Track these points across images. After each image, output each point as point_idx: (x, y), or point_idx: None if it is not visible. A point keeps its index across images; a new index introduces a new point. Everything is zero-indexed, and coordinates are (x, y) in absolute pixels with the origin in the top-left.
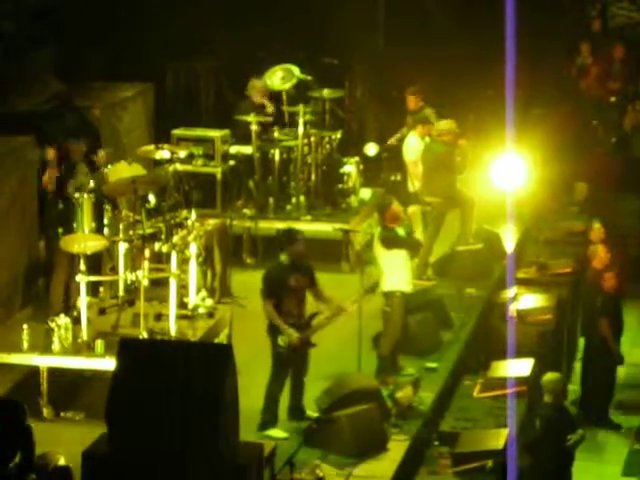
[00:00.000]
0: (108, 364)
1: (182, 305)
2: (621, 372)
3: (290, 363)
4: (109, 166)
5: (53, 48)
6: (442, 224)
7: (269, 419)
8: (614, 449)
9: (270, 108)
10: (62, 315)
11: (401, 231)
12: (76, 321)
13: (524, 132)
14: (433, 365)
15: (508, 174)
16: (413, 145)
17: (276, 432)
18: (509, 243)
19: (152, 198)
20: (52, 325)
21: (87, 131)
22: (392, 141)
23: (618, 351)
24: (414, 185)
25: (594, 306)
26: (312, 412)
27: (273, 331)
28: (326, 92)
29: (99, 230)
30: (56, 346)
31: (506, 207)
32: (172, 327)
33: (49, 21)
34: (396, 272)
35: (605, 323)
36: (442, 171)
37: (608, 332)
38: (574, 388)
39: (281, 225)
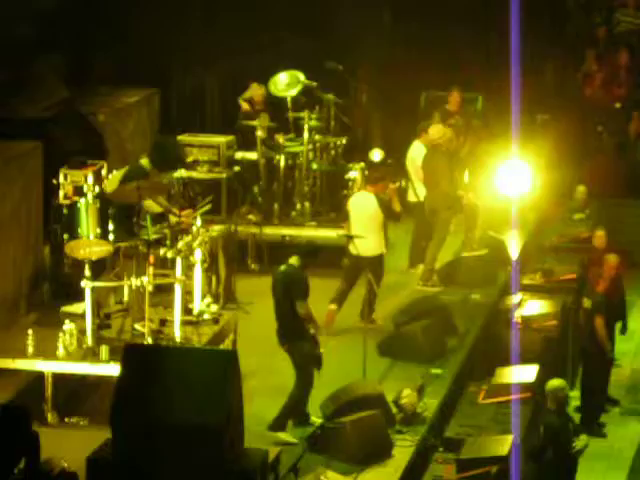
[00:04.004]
0: (112, 370)
1: (187, 311)
2: (626, 376)
3: (316, 367)
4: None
5: (59, 54)
6: (448, 231)
7: (284, 423)
8: (619, 455)
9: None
10: (67, 321)
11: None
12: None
13: (529, 138)
14: (438, 371)
15: (513, 180)
16: (418, 153)
17: (287, 436)
18: (514, 249)
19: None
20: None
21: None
22: None
23: (611, 351)
24: (417, 194)
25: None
26: (316, 418)
27: (297, 336)
28: (331, 98)
29: (104, 236)
30: (61, 352)
31: (511, 213)
32: (177, 333)
33: (55, 27)
34: (376, 238)
35: (600, 322)
36: (441, 178)
37: (603, 331)
38: (577, 394)
39: (286, 231)
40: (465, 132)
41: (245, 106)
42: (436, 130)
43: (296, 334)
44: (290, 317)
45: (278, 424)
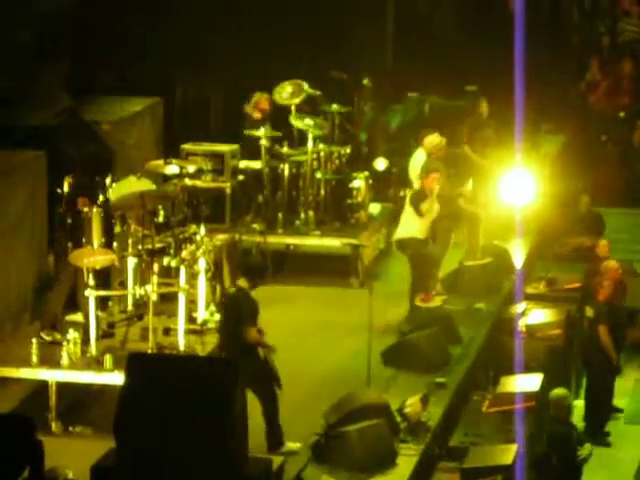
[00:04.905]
0: (117, 379)
1: (191, 320)
2: (630, 384)
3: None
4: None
5: (63, 62)
6: (450, 240)
7: (279, 439)
8: (623, 464)
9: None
10: (71, 330)
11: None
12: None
13: (533, 147)
14: (442, 380)
15: (517, 189)
16: (420, 161)
17: (289, 446)
18: (518, 258)
19: (161, 213)
20: (47, 338)
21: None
22: None
23: (617, 360)
24: None
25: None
26: None
27: (244, 357)
28: (335, 107)
29: (108, 245)
30: (65, 361)
31: (514, 222)
32: (181, 342)
33: (59, 35)
34: (414, 224)
35: (603, 330)
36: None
37: (607, 340)
38: (581, 403)
39: (290, 240)
40: (494, 143)
41: (256, 114)
42: (431, 139)
43: (243, 356)
44: (238, 341)
45: (275, 442)
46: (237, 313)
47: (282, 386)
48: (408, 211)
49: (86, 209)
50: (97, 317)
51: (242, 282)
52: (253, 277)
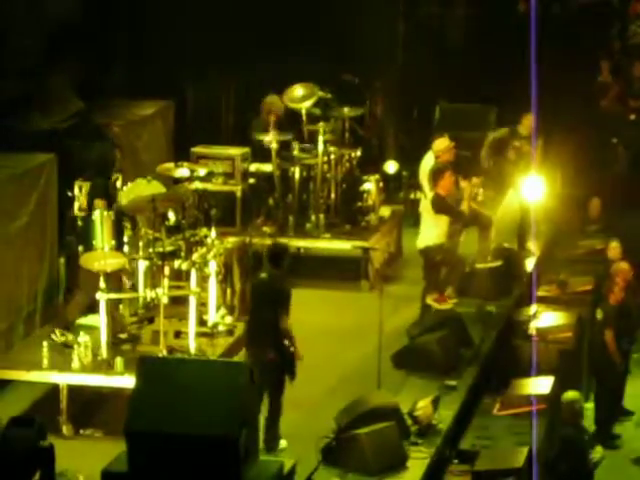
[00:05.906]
0: (127, 381)
1: (202, 323)
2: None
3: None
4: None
5: (73, 65)
6: (458, 243)
7: (275, 436)
8: (634, 467)
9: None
10: (82, 333)
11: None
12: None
13: (546, 151)
14: (452, 383)
15: (529, 192)
16: (429, 165)
17: (283, 443)
18: (529, 261)
19: (172, 216)
20: (59, 339)
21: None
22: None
23: (622, 363)
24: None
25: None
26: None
27: (279, 347)
28: (346, 110)
29: (119, 248)
30: (75, 364)
31: (526, 225)
32: (191, 345)
33: (70, 38)
34: (435, 229)
35: (609, 334)
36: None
37: (612, 343)
38: (591, 406)
39: (301, 243)
40: (528, 158)
41: (269, 117)
42: (439, 142)
43: (278, 345)
44: (274, 327)
45: (271, 440)
46: (272, 297)
47: (295, 376)
48: (429, 217)
49: (102, 212)
50: (108, 320)
51: (275, 271)
52: (280, 262)
